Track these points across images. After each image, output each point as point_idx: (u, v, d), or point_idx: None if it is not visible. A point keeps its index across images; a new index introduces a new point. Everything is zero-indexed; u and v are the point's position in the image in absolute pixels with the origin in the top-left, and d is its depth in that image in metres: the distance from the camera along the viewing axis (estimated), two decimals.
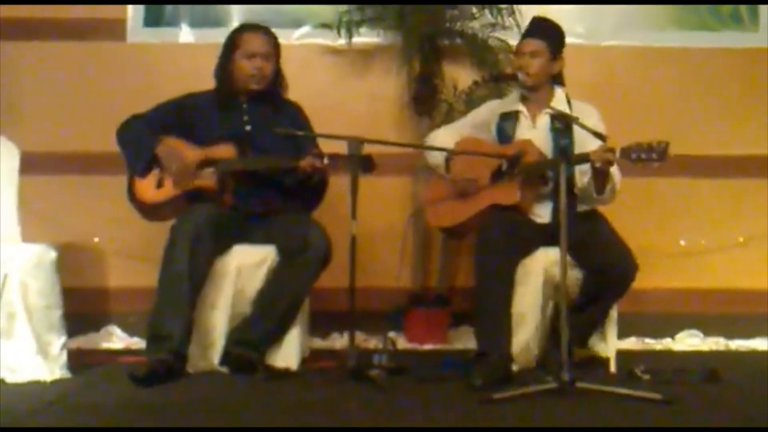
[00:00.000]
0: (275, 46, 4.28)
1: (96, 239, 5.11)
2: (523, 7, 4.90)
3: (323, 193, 4.29)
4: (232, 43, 4.25)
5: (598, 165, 3.83)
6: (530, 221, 4.16)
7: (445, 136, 4.39)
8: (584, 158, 3.88)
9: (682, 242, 5.14)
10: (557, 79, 4.28)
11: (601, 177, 3.95)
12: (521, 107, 4.28)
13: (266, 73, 4.26)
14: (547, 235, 4.04)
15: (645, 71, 5.24)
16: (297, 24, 5.22)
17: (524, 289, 4.09)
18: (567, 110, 4.12)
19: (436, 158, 4.33)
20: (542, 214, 4.17)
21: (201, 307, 4.07)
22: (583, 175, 4.06)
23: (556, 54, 4.22)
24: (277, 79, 4.31)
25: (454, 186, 4.25)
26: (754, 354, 4.83)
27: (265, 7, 5.16)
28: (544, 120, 4.20)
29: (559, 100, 4.22)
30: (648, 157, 3.67)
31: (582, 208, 4.15)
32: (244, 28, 4.33)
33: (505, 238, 4.02)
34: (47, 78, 5.18)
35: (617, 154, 3.75)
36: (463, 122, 4.48)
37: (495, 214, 4.09)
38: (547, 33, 4.22)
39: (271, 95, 4.31)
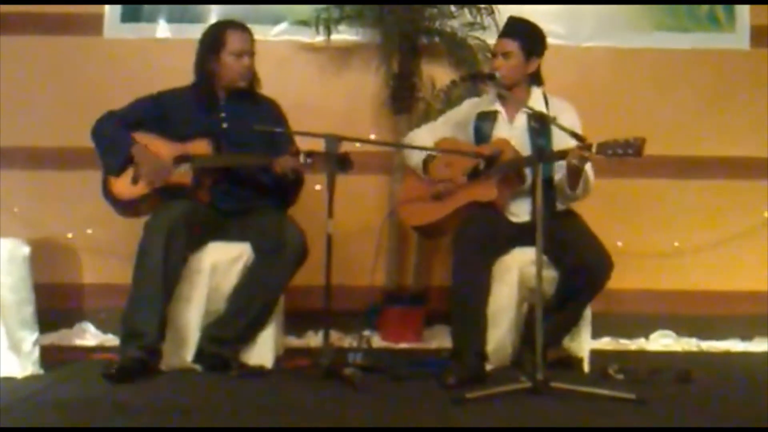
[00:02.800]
0: (254, 43, 4.28)
1: (69, 235, 5.07)
2: (503, 7, 4.90)
3: (299, 190, 4.29)
4: (215, 42, 4.23)
5: (574, 162, 3.84)
6: (507, 220, 4.17)
7: (423, 137, 4.39)
8: (561, 155, 3.89)
9: (657, 243, 5.16)
10: (535, 79, 4.28)
11: (575, 174, 3.96)
12: (499, 107, 4.28)
13: (252, 71, 4.27)
14: (523, 235, 4.05)
15: (624, 72, 5.27)
16: (275, 21, 5.21)
17: (499, 288, 4.10)
18: (544, 109, 4.13)
19: (415, 159, 4.33)
20: (519, 212, 4.18)
21: (175, 304, 4.05)
22: (556, 171, 4.07)
23: (531, 54, 4.22)
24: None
25: (432, 188, 4.25)
26: (726, 355, 4.86)
27: (244, 3, 5.14)
28: (521, 119, 4.21)
29: (535, 99, 4.22)
30: (624, 153, 3.67)
31: (559, 207, 4.16)
32: (226, 26, 4.30)
33: (483, 237, 4.02)
34: (23, 72, 5.15)
35: (594, 150, 3.76)
36: (442, 120, 4.48)
37: (472, 212, 4.10)
38: (521, 33, 4.22)
39: (249, 92, 4.30)
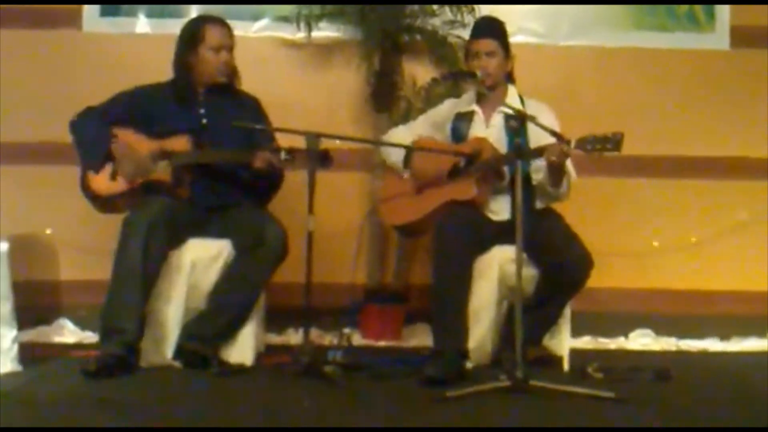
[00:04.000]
0: (233, 38, 4.27)
1: (48, 231, 5.04)
2: (483, 6, 4.90)
3: (278, 186, 4.28)
4: (194, 36, 4.21)
5: (553, 158, 3.84)
6: (487, 218, 4.17)
7: (403, 135, 4.38)
8: (539, 152, 3.89)
9: (636, 242, 5.17)
10: (509, 78, 4.31)
11: (556, 171, 3.97)
12: (476, 107, 4.30)
13: (232, 65, 4.25)
14: (503, 233, 4.05)
15: (603, 71, 5.27)
16: (256, 16, 5.19)
17: (479, 286, 4.11)
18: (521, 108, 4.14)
19: (394, 157, 4.33)
20: (498, 210, 4.19)
21: (155, 301, 4.04)
22: (537, 172, 4.08)
23: (508, 52, 4.26)
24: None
25: (414, 184, 4.24)
26: (704, 354, 4.88)
27: None
28: (497, 119, 4.23)
29: (512, 97, 4.24)
30: (603, 147, 3.67)
31: (539, 205, 4.17)
32: (205, 21, 4.28)
33: (463, 235, 4.03)
34: (1, 67, 5.09)
35: (573, 145, 3.76)
36: (421, 120, 4.49)
37: (452, 210, 4.10)
38: (498, 33, 4.26)
39: (229, 88, 4.29)
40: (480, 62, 4.20)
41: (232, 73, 4.28)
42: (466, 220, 4.07)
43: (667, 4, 5.25)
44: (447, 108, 4.42)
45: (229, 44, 4.23)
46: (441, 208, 4.15)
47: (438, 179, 4.20)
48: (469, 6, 4.97)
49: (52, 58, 5.14)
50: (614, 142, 3.66)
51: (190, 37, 4.22)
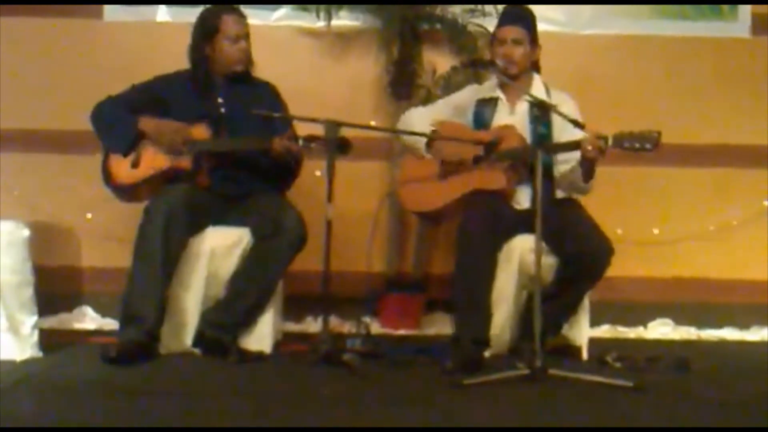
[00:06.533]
0: (248, 25, 4.28)
1: (89, 215, 5.06)
2: None
3: (296, 174, 4.28)
4: (210, 27, 4.21)
5: (590, 152, 3.82)
6: (511, 207, 4.16)
7: (421, 115, 4.34)
8: (575, 146, 3.87)
9: (656, 231, 5.16)
10: (535, 67, 4.29)
11: (589, 165, 3.95)
12: (500, 94, 4.27)
13: (249, 54, 4.25)
14: (523, 222, 4.04)
15: (624, 59, 5.25)
16: (275, 5, 5.18)
17: (499, 275, 4.09)
18: (545, 98, 4.12)
19: (413, 138, 4.30)
20: (520, 200, 4.18)
21: (174, 289, 4.06)
22: (562, 163, 4.07)
23: (535, 41, 4.24)
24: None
25: (439, 167, 4.22)
26: (723, 343, 4.88)
27: None
28: (522, 107, 4.21)
29: (537, 87, 4.22)
30: (641, 147, 3.67)
31: (559, 194, 4.16)
32: (220, 11, 4.27)
33: (490, 223, 4.01)
34: (23, 55, 5.13)
35: (610, 143, 3.75)
36: (442, 103, 4.46)
37: (479, 199, 4.08)
38: (527, 21, 4.24)
39: (246, 76, 4.29)
40: (505, 49, 4.17)
41: (249, 61, 4.28)
42: (493, 210, 4.06)
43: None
44: (468, 93, 4.40)
45: (245, 33, 4.23)
46: (467, 196, 4.13)
47: (463, 165, 4.17)
48: None
49: (73, 47, 5.16)
50: (652, 141, 3.65)
51: (207, 28, 4.22)
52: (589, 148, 3.79)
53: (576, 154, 3.92)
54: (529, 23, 4.23)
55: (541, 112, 3.96)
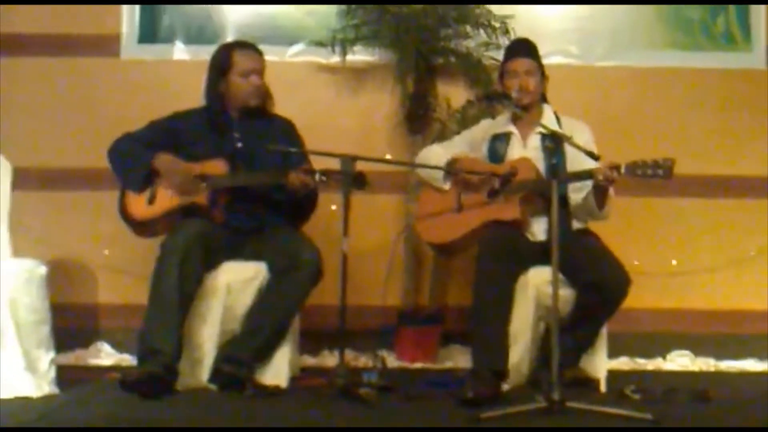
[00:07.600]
0: (264, 61, 4.31)
1: (106, 251, 5.08)
2: (517, 27, 4.92)
3: (312, 209, 4.29)
4: (222, 63, 4.26)
5: (601, 180, 3.83)
6: (526, 239, 4.17)
7: (438, 153, 4.38)
8: (587, 175, 3.89)
9: (674, 262, 5.14)
10: (543, 98, 4.34)
11: (602, 193, 3.97)
12: (512, 128, 4.31)
13: (263, 89, 4.29)
14: (540, 253, 4.04)
15: (638, 91, 5.26)
16: (291, 41, 5.23)
17: (516, 307, 4.08)
18: (557, 127, 4.14)
19: (430, 171, 4.32)
20: (535, 232, 4.18)
21: (190, 324, 4.06)
22: (576, 192, 4.07)
23: (543, 72, 4.32)
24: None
25: (456, 197, 4.23)
26: (743, 375, 4.83)
27: (260, 24, 5.18)
28: (534, 140, 4.24)
29: (548, 117, 4.26)
30: (654, 174, 3.68)
31: (576, 225, 4.16)
32: (232, 47, 4.34)
33: (507, 253, 4.03)
34: (41, 93, 5.18)
35: (623, 171, 3.77)
36: (457, 140, 4.50)
37: (495, 230, 4.10)
38: (535, 53, 4.33)
39: (262, 111, 4.32)
40: (519, 81, 4.22)
41: (265, 96, 4.31)
42: (509, 241, 4.07)
43: (703, 23, 5.22)
44: (483, 128, 4.44)
45: (258, 68, 4.27)
46: (483, 227, 4.14)
47: (479, 197, 4.19)
48: (504, 27, 4.98)
49: (90, 85, 5.21)
50: (665, 169, 3.66)
51: (220, 65, 4.26)
52: (600, 177, 3.82)
53: (589, 182, 3.94)
54: (536, 54, 4.32)
55: (554, 143, 3.97)
